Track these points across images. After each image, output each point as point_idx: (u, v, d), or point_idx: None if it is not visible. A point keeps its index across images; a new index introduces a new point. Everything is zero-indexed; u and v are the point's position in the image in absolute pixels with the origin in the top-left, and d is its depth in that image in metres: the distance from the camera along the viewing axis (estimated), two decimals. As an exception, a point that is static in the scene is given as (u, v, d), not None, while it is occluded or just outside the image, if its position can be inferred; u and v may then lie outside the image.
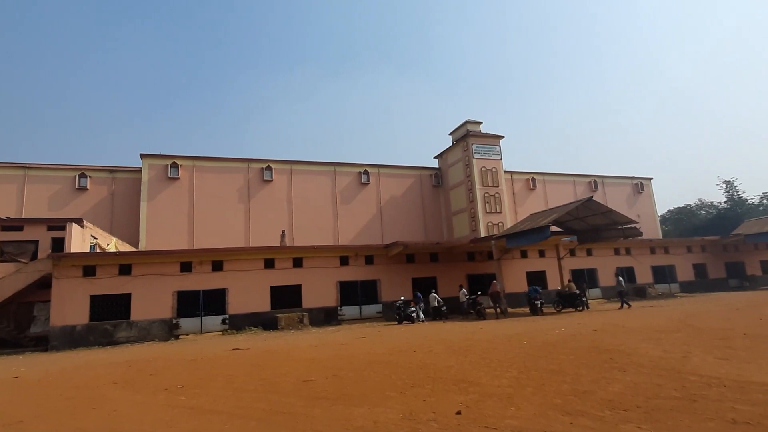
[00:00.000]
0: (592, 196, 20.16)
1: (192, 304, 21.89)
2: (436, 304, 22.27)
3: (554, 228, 22.37)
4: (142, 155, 35.59)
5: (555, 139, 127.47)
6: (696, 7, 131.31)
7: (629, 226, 21.51)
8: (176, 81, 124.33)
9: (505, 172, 41.60)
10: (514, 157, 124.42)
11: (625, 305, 21.01)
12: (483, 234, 36.08)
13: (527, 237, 20.84)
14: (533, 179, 45.67)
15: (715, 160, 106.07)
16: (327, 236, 38.63)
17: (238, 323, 22.08)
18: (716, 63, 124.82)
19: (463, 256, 27.35)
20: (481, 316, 20.29)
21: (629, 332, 12.20)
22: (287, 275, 23.56)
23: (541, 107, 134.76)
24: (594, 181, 47.52)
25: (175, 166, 36.00)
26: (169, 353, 14.65)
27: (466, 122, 41.39)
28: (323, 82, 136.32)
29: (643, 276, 31.56)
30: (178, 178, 35.95)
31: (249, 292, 22.65)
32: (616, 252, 31.20)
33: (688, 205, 58.40)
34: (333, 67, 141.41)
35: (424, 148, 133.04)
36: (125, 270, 21.19)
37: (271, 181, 38.60)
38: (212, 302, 22.17)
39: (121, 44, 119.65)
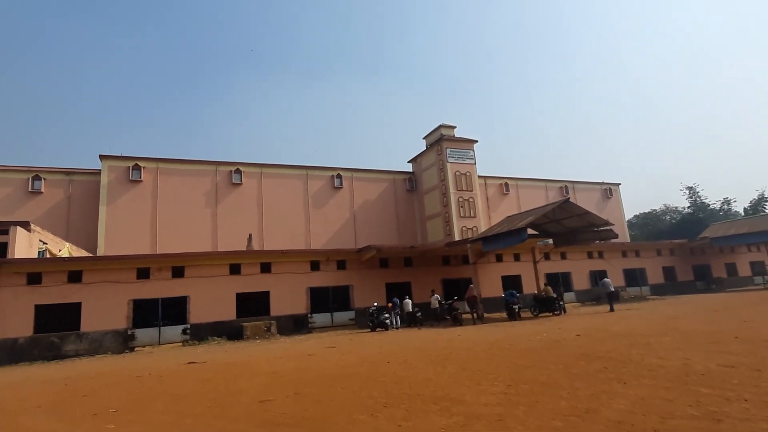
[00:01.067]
0: (568, 198, 19.62)
1: (149, 313, 20.17)
2: (410, 310, 21.22)
3: (530, 231, 21.71)
4: (101, 156, 33.45)
5: (527, 144, 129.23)
6: (664, 16, 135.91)
7: (605, 228, 21.04)
8: (143, 82, 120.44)
9: (478, 176, 41.17)
10: (488, 163, 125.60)
11: (610, 308, 20.59)
12: (457, 238, 35.35)
13: (504, 240, 20.08)
14: (506, 184, 45.43)
15: (679, 167, 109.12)
16: (299, 241, 37.18)
17: (200, 333, 20.47)
18: (682, 72, 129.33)
19: (438, 260, 26.44)
20: (457, 321, 19.34)
21: (614, 337, 11.42)
22: (254, 281, 22.10)
23: (514, 114, 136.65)
24: (565, 187, 47.63)
25: (137, 168, 33.99)
26: (116, 368, 13.07)
27: (440, 126, 40.81)
28: (298, 88, 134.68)
29: (616, 279, 31.28)
30: (141, 181, 33.93)
31: (212, 300, 21.08)
32: (589, 255, 30.92)
33: (654, 210, 59.50)
34: (309, 73, 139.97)
35: (399, 154, 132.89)
36: (75, 277, 19.32)
37: (240, 184, 36.96)
38: (172, 311, 20.50)
39: (86, 42, 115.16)
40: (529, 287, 27.09)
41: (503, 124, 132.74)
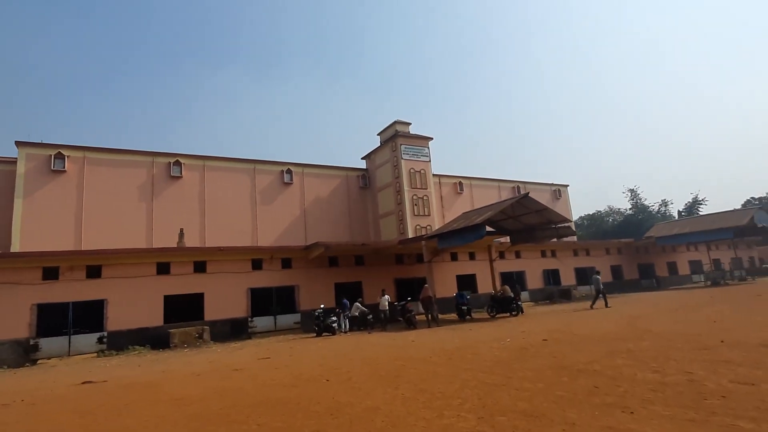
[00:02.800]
0: (528, 192, 18.37)
1: (58, 319, 17.05)
2: (357, 314, 19.22)
3: (487, 228, 20.34)
4: (18, 143, 29.20)
5: (479, 146, 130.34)
6: (614, 21, 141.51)
7: (563, 225, 20.01)
8: (76, 66, 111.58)
9: (433, 175, 39.85)
10: (442, 163, 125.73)
11: (597, 302, 19.81)
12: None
13: (461, 236, 18.53)
14: (460, 183, 44.43)
15: (623, 169, 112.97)
16: (244, 240, 34.27)
17: (119, 342, 17.54)
18: (631, 76, 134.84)
19: (390, 259, 24.64)
20: (411, 324, 17.54)
21: (586, 342, 9.97)
22: (186, 282, 19.38)
23: (468, 114, 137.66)
24: (517, 187, 47.28)
25: (60, 157, 29.95)
26: (-11, 392, 10.25)
27: (395, 122, 39.13)
28: (245, 83, 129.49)
29: (567, 278, 30.83)
30: (65, 172, 29.92)
31: (135, 304, 18.20)
32: (543, 255, 30.18)
33: (598, 211, 60.70)
34: (259, 69, 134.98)
35: (350, 153, 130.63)
36: (-39, 278, 15.97)
37: (180, 177, 33.55)
38: (86, 317, 17.46)
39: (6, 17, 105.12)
40: (485, 287, 25.84)
41: (456, 125, 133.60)
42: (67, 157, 30.25)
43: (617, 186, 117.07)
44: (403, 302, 18.78)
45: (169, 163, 33.52)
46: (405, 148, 37.71)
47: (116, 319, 17.77)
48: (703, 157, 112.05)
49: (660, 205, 55.02)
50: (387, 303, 19.20)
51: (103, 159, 31.62)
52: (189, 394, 7.82)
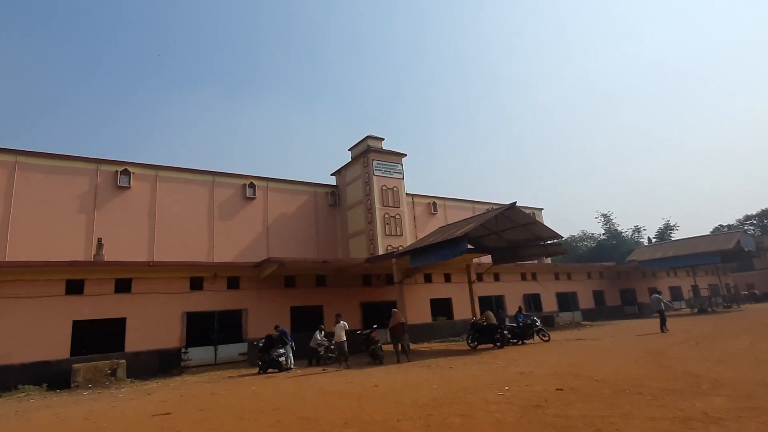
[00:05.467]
0: (515, 202, 15.43)
1: None
2: (314, 345, 15.55)
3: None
4: (-67, 143, 24.80)
5: (453, 167, 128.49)
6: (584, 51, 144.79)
7: (553, 242, 17.16)
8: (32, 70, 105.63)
9: (406, 194, 36.93)
10: (415, 182, 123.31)
11: (664, 327, 16.96)
12: (382, 257, 30.37)
13: (438, 252, 15.34)
14: (434, 203, 41.60)
15: (595, 195, 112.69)
16: (199, 258, 30.20)
17: (8, 380, 13.33)
18: (600, 108, 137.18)
19: (357, 280, 21.18)
20: (376, 359, 13.99)
21: (620, 395, 6.76)
22: (104, 304, 15.38)
23: (441, 137, 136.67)
24: (492, 208, 44.82)
25: (-15, 160, 25.64)
26: None
27: (367, 137, 36.25)
28: (213, 100, 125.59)
29: (549, 304, 27.92)
30: (-11, 177, 25.58)
31: (32, 332, 14.07)
32: (523, 277, 27.28)
33: (572, 236, 58.87)
34: (229, 87, 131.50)
35: (322, 173, 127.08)
36: None
37: (128, 188, 29.43)
38: (-40, 348, 13.27)
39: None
40: (462, 312, 22.61)
41: (430, 147, 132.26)
42: (-6, 160, 25.93)
43: (589, 211, 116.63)
44: (368, 331, 15.20)
45: (116, 171, 29.42)
46: (377, 163, 34.74)
47: (6, 351, 13.60)
48: (672, 184, 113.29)
49: (633, 230, 53.57)
50: (344, 332, 14.52)
51: (38, 164, 27.31)
52: None
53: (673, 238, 49.41)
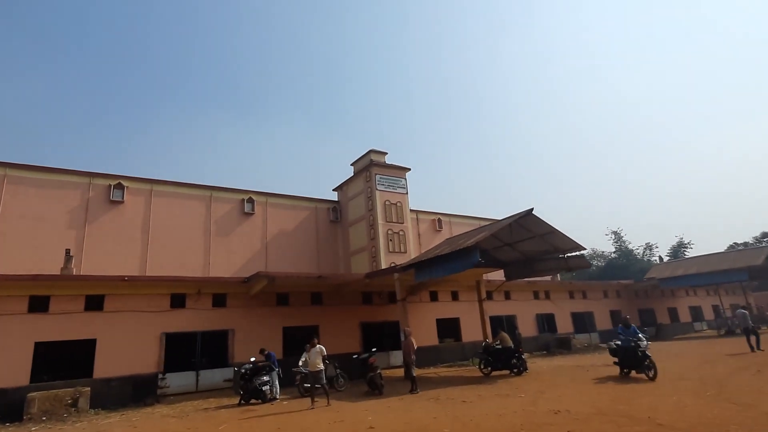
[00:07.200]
0: (532, 209, 13.60)
1: None
2: (306, 371, 13.44)
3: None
4: None
5: (459, 184, 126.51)
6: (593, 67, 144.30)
7: (575, 254, 15.25)
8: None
9: (411, 210, 35.18)
10: (421, 199, 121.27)
11: (756, 348, 15.23)
12: (385, 275, 28.41)
13: (445, 265, 13.48)
14: (439, 220, 39.74)
15: (606, 212, 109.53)
16: (194, 275, 28.42)
17: (-49, 411, 11.50)
18: (615, 121, 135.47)
19: (356, 297, 19.28)
20: (375, 388, 11.96)
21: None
22: (71, 324, 13.58)
23: (447, 152, 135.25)
24: (499, 226, 42.91)
25: (-28, 173, 24.31)
26: None
27: (370, 152, 34.77)
28: (214, 115, 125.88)
29: (564, 325, 25.69)
30: (-24, 190, 24.20)
31: (-15, 354, 12.30)
32: (536, 296, 25.17)
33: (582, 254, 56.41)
34: (233, 104, 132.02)
35: (323, 189, 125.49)
36: None
37: (121, 202, 27.94)
38: None
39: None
40: (471, 334, 20.54)
41: (435, 163, 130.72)
42: (-19, 173, 24.58)
43: (599, 228, 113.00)
44: (366, 355, 13.21)
45: (110, 185, 27.95)
46: (380, 178, 33.12)
47: (-49, 378, 11.80)
48: (685, 202, 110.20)
49: (644, 248, 51.27)
50: (321, 359, 11.50)
51: (27, 178, 25.92)
52: None
53: (686, 256, 46.99)
